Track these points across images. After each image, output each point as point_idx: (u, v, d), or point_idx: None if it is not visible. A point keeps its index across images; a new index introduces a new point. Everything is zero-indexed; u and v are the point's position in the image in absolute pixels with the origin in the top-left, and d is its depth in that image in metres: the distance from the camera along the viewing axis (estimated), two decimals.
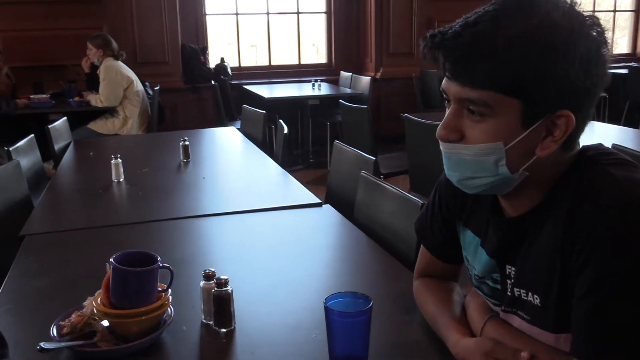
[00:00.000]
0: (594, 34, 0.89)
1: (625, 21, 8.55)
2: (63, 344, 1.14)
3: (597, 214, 0.86)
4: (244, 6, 7.12)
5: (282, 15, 7.37)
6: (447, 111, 0.97)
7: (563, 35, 0.87)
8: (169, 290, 1.26)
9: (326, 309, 1.06)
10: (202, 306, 1.29)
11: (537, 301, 0.99)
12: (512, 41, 0.87)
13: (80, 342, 1.15)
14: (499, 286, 1.09)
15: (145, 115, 5.22)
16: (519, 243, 1.02)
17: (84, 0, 5.96)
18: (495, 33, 0.87)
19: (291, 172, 2.65)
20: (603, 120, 6.15)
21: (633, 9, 8.37)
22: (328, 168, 5.01)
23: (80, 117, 4.98)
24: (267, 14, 7.20)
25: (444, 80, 0.96)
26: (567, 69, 0.87)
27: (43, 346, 1.10)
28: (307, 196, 2.24)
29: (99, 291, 1.24)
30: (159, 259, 1.22)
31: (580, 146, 0.99)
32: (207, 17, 6.90)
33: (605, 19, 8.37)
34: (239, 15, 7.13)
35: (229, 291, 1.26)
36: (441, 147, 0.99)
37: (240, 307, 1.30)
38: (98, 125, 4.97)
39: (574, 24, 0.89)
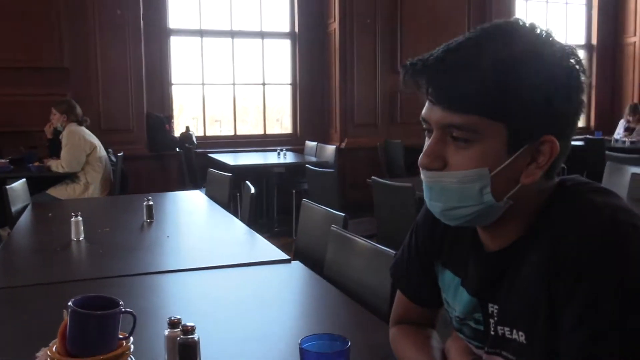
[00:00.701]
0: (572, 62, 0.91)
1: None
2: None
3: (581, 242, 0.85)
4: (209, 77, 7.20)
5: (248, 87, 7.47)
6: (428, 141, 0.95)
7: (546, 62, 0.88)
8: (131, 338, 1.18)
9: (301, 351, 1.00)
10: (166, 357, 1.21)
11: (522, 338, 0.95)
12: (497, 64, 0.87)
13: None
14: (481, 327, 1.05)
15: (108, 181, 5.12)
16: (501, 278, 0.99)
17: (49, 67, 5.94)
18: (480, 56, 0.87)
19: None
20: None
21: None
22: (293, 237, 4.95)
23: (40, 183, 4.86)
24: (233, 84, 7.29)
25: (424, 109, 0.95)
26: (550, 95, 0.87)
27: None
28: (275, 253, 2.18)
29: (54, 340, 1.15)
30: (121, 303, 1.14)
31: (558, 178, 0.98)
32: (173, 86, 6.95)
33: None
34: (205, 86, 7.20)
35: (195, 339, 1.18)
36: (423, 177, 0.96)
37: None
38: (58, 191, 4.85)
39: (555, 51, 0.90)
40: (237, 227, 2.69)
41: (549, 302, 0.89)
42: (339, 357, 1.00)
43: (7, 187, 3.24)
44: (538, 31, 0.91)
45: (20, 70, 5.82)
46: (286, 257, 2.12)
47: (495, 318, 1.00)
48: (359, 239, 1.86)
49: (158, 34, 6.70)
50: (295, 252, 2.48)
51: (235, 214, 3.43)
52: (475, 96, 0.87)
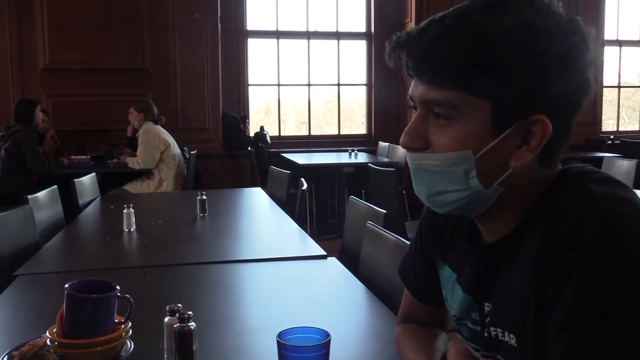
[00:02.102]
0: (575, 37, 0.82)
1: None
2: None
3: (573, 233, 0.76)
4: (285, 77, 7.29)
5: (323, 87, 7.50)
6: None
7: (537, 34, 0.80)
8: (129, 322, 1.19)
9: (279, 344, 0.97)
10: (165, 344, 1.21)
11: (513, 341, 0.87)
12: (481, 35, 0.80)
13: None
14: (478, 327, 0.97)
15: (181, 178, 5.29)
16: (496, 274, 0.91)
17: (131, 69, 6.21)
18: (463, 27, 0.81)
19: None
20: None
21: None
22: None
23: (118, 179, 5.08)
24: (309, 85, 7.34)
25: (411, 86, 0.89)
26: (541, 70, 0.79)
27: None
28: (313, 249, 2.16)
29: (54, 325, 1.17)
30: (117, 287, 1.15)
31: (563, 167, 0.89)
32: (250, 87, 7.08)
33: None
34: (280, 87, 7.29)
35: (192, 328, 1.17)
36: (407, 159, 0.90)
37: (210, 347, 1.21)
38: (133, 187, 5.05)
39: (549, 23, 0.81)
40: (284, 224, 2.69)
41: (538, 301, 0.81)
42: (317, 351, 0.95)
43: (76, 180, 3.40)
44: (541, 1, 0.83)
45: (104, 71, 6.13)
46: (322, 252, 2.09)
47: (489, 318, 0.93)
48: (391, 236, 1.81)
49: (235, 36, 6.85)
50: (341, 249, 2.45)
51: (293, 211, 3.44)
52: (456, 69, 0.80)
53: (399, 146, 6.28)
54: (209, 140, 6.49)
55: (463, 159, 0.83)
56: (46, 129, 5.68)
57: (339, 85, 7.45)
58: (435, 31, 0.82)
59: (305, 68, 7.28)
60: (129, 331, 1.18)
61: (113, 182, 5.13)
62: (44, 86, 6.13)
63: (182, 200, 3.55)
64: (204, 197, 2.90)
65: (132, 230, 2.52)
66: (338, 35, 7.34)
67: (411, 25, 6.90)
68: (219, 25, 6.58)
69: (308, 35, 7.26)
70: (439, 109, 0.83)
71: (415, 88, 0.87)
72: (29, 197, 2.67)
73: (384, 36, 7.15)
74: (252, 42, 7.08)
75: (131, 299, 1.18)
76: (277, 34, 7.18)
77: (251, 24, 7.05)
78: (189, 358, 1.16)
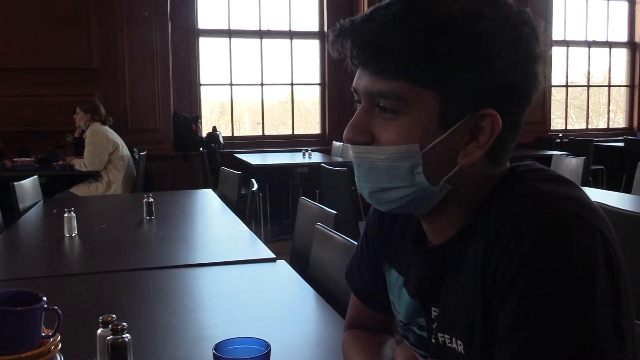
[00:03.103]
0: (525, 28, 0.80)
1: (620, 96, 8.61)
2: None
3: (518, 237, 0.73)
4: (237, 77, 7.19)
5: (279, 86, 7.45)
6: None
7: (487, 25, 0.77)
8: (58, 336, 1.11)
9: (215, 356, 0.91)
10: (98, 357, 1.14)
11: (460, 348, 0.83)
12: (428, 25, 0.76)
13: None
14: (425, 333, 0.94)
15: (130, 180, 5.15)
16: (443, 278, 0.87)
17: (79, 68, 6.02)
18: (410, 15, 0.77)
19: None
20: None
21: (627, 84, 8.42)
22: None
23: (64, 182, 4.92)
24: (262, 84, 7.26)
25: (355, 77, 0.84)
26: (490, 62, 0.76)
27: None
28: (262, 252, 2.11)
29: None
30: (44, 298, 1.08)
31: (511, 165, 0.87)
32: (202, 87, 6.97)
33: (599, 93, 8.50)
34: (233, 86, 7.20)
35: (126, 340, 1.11)
36: (351, 153, 0.86)
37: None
38: (80, 189, 4.89)
39: (499, 15, 0.78)
40: (234, 226, 2.62)
41: (485, 306, 0.78)
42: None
43: (15, 183, 3.26)
44: None
45: (50, 71, 5.92)
46: (271, 256, 2.04)
47: (436, 324, 0.90)
48: (340, 237, 1.77)
49: (186, 35, 6.73)
50: (292, 251, 2.40)
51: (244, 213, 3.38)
52: (403, 58, 0.76)
53: None
54: (159, 141, 6.35)
55: (409, 153, 0.79)
56: None
57: (292, 84, 7.40)
58: (381, 18, 0.78)
59: (258, 67, 7.20)
60: (58, 345, 1.10)
61: (59, 185, 4.97)
62: None
63: (129, 203, 3.45)
64: (151, 199, 2.81)
65: (73, 235, 2.41)
66: (291, 35, 7.29)
67: None
68: (169, 23, 6.44)
69: (261, 34, 7.18)
70: (384, 101, 0.80)
71: (359, 79, 0.83)
72: None
73: None
74: (204, 41, 6.97)
75: (59, 311, 1.10)
76: (229, 33, 7.09)
77: (202, 23, 6.93)
78: None
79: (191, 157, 6.53)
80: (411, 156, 0.79)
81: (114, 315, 1.15)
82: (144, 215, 2.78)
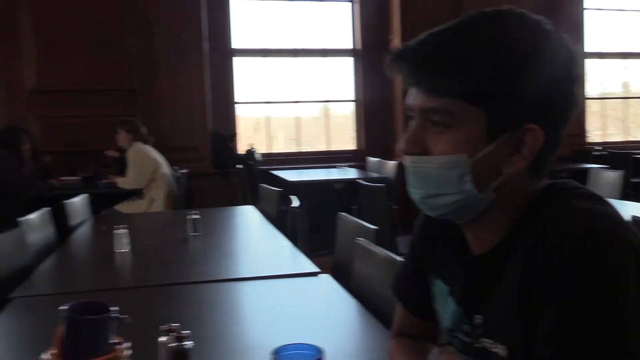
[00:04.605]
0: (564, 51, 0.89)
1: None
2: None
3: (556, 247, 0.80)
4: (273, 95, 7.34)
5: (311, 103, 7.57)
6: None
7: (529, 49, 0.86)
8: (127, 343, 1.20)
9: None
10: None
11: (503, 352, 0.90)
12: (475, 48, 0.86)
13: None
14: (469, 339, 1.00)
15: (172, 197, 5.29)
16: (486, 286, 0.94)
17: (119, 89, 6.24)
18: (459, 39, 0.87)
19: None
20: None
21: None
22: None
23: (109, 200, 5.08)
24: (297, 102, 7.39)
25: (408, 95, 0.94)
26: (535, 83, 0.85)
27: None
28: (305, 266, 2.18)
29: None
30: (112, 309, 1.17)
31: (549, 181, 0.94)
32: (237, 105, 7.12)
33: (638, 105, 8.35)
34: (268, 104, 7.34)
35: (188, 347, 1.19)
36: (405, 162, 0.95)
37: None
38: (124, 207, 5.05)
39: (541, 39, 0.88)
40: (276, 241, 2.71)
41: (526, 312, 0.85)
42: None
43: (65, 202, 3.40)
44: (531, 19, 0.90)
45: (92, 92, 6.15)
46: (314, 270, 2.11)
47: (480, 330, 0.96)
48: (380, 251, 1.83)
49: (221, 55, 6.90)
50: (333, 265, 2.46)
51: (284, 229, 3.46)
52: (453, 79, 0.86)
53: (389, 161, 6.34)
54: (198, 159, 6.51)
55: (458, 162, 0.87)
56: (35, 152, 5.67)
57: (326, 101, 7.51)
58: (434, 42, 0.88)
59: (292, 85, 7.34)
60: (127, 351, 1.20)
61: (104, 202, 5.13)
62: (32, 108, 6.13)
63: (173, 220, 3.56)
64: (195, 216, 2.91)
65: (124, 250, 2.52)
66: (325, 52, 7.41)
67: (395, 41, 6.99)
68: (207, 44, 6.63)
69: (294, 52, 7.32)
70: (436, 116, 0.88)
71: (413, 97, 0.92)
72: (20, 219, 2.67)
73: (371, 53, 7.24)
74: (239, 61, 7.13)
75: (128, 320, 1.20)
76: (264, 52, 7.24)
77: (237, 43, 7.10)
78: None
79: (228, 175, 6.67)
80: (460, 165, 0.88)
81: (175, 324, 1.24)
82: (190, 231, 2.88)
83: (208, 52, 6.67)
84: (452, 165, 0.88)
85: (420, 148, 0.91)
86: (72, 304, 1.16)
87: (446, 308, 1.05)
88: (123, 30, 6.22)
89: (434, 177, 0.90)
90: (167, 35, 6.39)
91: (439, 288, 1.08)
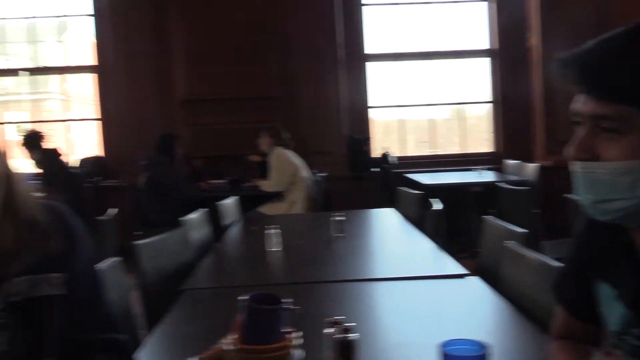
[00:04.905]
0: None
1: None
2: None
3: None
4: (407, 98, 7.37)
5: (446, 106, 7.51)
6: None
7: None
8: (298, 332, 1.31)
9: (445, 355, 1.04)
10: (327, 354, 1.32)
11: None
12: None
13: None
14: None
15: (311, 200, 5.49)
16: None
17: (261, 97, 6.57)
18: (631, 47, 0.88)
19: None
20: None
21: None
22: None
23: (252, 201, 5.37)
24: (431, 104, 7.36)
25: (575, 102, 0.95)
26: None
27: None
28: (452, 267, 2.20)
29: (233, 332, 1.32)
30: (285, 300, 1.28)
31: None
32: (371, 109, 7.22)
33: None
34: (402, 107, 7.38)
35: (353, 339, 1.27)
36: (574, 168, 0.96)
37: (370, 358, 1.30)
38: (266, 209, 5.31)
39: None
40: (420, 243, 2.75)
41: None
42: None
43: (217, 203, 3.67)
44: None
45: (237, 101, 6.54)
46: (462, 272, 2.13)
47: None
48: (532, 255, 1.82)
49: (356, 60, 7.04)
50: (477, 268, 2.46)
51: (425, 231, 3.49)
52: (628, 86, 0.87)
53: (529, 164, 6.13)
54: (334, 162, 6.69)
55: (631, 168, 0.88)
56: (187, 157, 6.12)
57: (461, 103, 7.41)
58: (606, 48, 0.89)
59: (425, 87, 7.32)
60: (298, 340, 1.30)
61: (248, 204, 5.43)
62: (184, 116, 6.63)
63: (317, 222, 3.72)
64: (340, 218, 3.02)
65: (275, 249, 2.68)
66: (459, 54, 7.32)
67: (533, 40, 6.75)
68: (342, 51, 6.80)
69: (427, 55, 7.30)
70: (607, 123, 0.89)
71: (582, 104, 0.93)
72: (182, 219, 2.93)
73: (508, 53, 7.04)
74: (372, 65, 7.23)
75: (299, 311, 1.30)
76: (396, 56, 7.29)
77: (370, 48, 7.20)
78: None
79: (363, 178, 6.78)
80: (633, 171, 0.88)
81: (341, 317, 1.33)
82: (335, 232, 3.00)
83: (343, 59, 6.84)
84: (625, 171, 0.88)
85: (589, 154, 0.92)
86: (251, 294, 1.28)
87: (613, 311, 1.05)
88: (265, 42, 6.57)
89: (605, 182, 0.91)
90: (305, 45, 6.64)
91: (605, 292, 1.08)
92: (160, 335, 1.60)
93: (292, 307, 1.29)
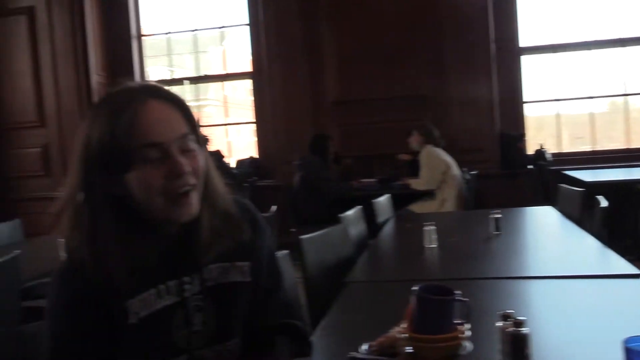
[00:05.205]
0: None
1: None
2: (369, 356, 1.29)
3: None
4: (565, 92, 7.01)
5: (603, 98, 7.06)
6: None
7: None
8: (468, 324, 1.33)
9: (629, 350, 1.01)
10: (500, 347, 1.33)
11: None
12: None
13: (383, 358, 1.29)
14: None
15: (462, 198, 5.42)
16: None
17: (409, 96, 6.59)
18: None
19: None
20: None
21: None
22: None
23: (403, 200, 5.41)
24: (591, 97, 6.94)
25: None
26: None
27: (353, 355, 1.27)
28: (623, 267, 2.09)
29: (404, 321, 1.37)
30: (456, 292, 1.30)
31: None
32: (525, 104, 6.96)
33: None
34: (560, 102, 7.03)
35: (525, 333, 1.27)
36: None
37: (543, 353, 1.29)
38: (417, 207, 5.33)
39: None
40: (584, 241, 2.63)
41: None
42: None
43: (373, 201, 3.75)
44: None
45: (386, 100, 6.62)
46: (635, 272, 2.01)
47: None
48: None
49: (509, 54, 6.82)
50: None
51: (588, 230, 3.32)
52: None
53: None
54: (485, 160, 6.53)
55: None
56: (338, 157, 6.30)
57: (624, 95, 6.91)
58: None
59: (584, 79, 6.91)
60: (467, 333, 1.32)
61: (399, 202, 5.48)
62: (335, 117, 6.82)
63: (470, 219, 3.68)
64: (498, 215, 2.97)
65: (432, 246, 2.70)
66: (623, 42, 6.83)
67: None
68: (494, 45, 6.62)
69: (587, 45, 6.89)
70: None
71: None
72: (340, 216, 3.04)
73: None
74: (526, 59, 6.97)
75: (469, 303, 1.32)
76: (553, 48, 6.96)
77: (525, 41, 6.94)
78: None
79: (517, 175, 6.56)
80: None
81: (512, 310, 1.32)
82: (492, 230, 2.95)
83: (495, 53, 6.66)
84: None
85: None
86: (422, 285, 1.32)
87: None
88: (414, 40, 6.58)
89: None
90: (456, 41, 6.56)
91: None
92: (329, 323, 1.69)
93: (463, 299, 1.32)
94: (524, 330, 1.27)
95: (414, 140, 5.55)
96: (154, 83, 1.21)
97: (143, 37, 7.78)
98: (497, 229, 2.95)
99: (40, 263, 3.31)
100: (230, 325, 1.26)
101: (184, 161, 1.13)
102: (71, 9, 7.10)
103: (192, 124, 1.19)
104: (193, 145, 1.17)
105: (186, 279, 1.20)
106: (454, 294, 1.30)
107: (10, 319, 2.64)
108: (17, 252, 2.72)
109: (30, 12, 7.25)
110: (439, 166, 5.32)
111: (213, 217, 1.22)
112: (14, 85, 7.41)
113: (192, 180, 1.15)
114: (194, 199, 1.16)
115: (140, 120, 1.10)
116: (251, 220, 1.32)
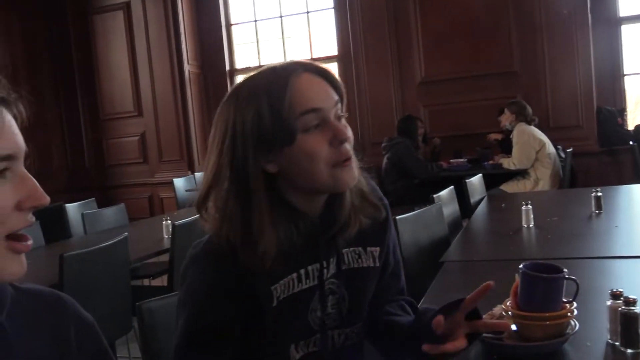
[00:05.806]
0: None
1: None
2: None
3: None
4: None
5: None
6: None
7: None
8: (574, 303, 1.31)
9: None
10: (608, 326, 1.30)
11: None
12: None
13: (490, 335, 1.29)
14: None
15: (557, 177, 5.24)
16: None
17: (499, 72, 6.40)
18: None
19: None
20: None
21: None
22: None
23: (494, 180, 5.30)
24: None
25: None
26: None
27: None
28: None
29: (508, 298, 1.36)
30: (565, 270, 1.29)
31: None
32: (626, 77, 6.60)
33: None
34: None
35: (637, 311, 1.24)
36: None
37: None
38: (509, 186, 5.20)
39: None
40: None
41: None
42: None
43: (466, 181, 3.71)
44: None
45: (474, 78, 6.46)
46: None
47: None
48: None
49: (607, 25, 6.47)
50: None
51: None
52: None
53: None
54: (582, 137, 6.26)
55: None
56: (426, 137, 6.23)
57: None
58: None
59: None
60: (574, 311, 1.30)
61: (489, 182, 5.37)
62: (421, 97, 6.74)
63: (567, 198, 3.56)
64: (599, 194, 2.86)
65: (530, 225, 2.65)
66: None
67: None
68: (589, 16, 6.30)
69: None
70: None
71: None
72: (434, 196, 3.03)
73: None
74: (627, 29, 6.59)
75: (578, 282, 1.30)
76: None
77: (625, 10, 6.55)
78: (635, 340, 1.23)
79: (617, 152, 6.25)
80: None
81: (622, 289, 1.29)
82: (593, 208, 2.85)
83: (590, 24, 6.34)
84: None
85: None
86: (529, 263, 1.31)
87: None
88: (503, 15, 6.37)
89: None
90: (548, 13, 6.28)
91: None
92: (430, 300, 1.71)
93: (572, 277, 1.30)
94: (636, 308, 1.24)
95: (506, 119, 5.40)
96: (298, 60, 1.19)
97: (232, 26, 7.97)
98: (599, 207, 2.85)
99: (143, 245, 3.52)
100: (359, 309, 1.28)
101: (343, 127, 1.13)
102: (164, 2, 7.39)
103: (341, 95, 1.19)
104: (344, 114, 1.17)
105: (325, 263, 1.20)
106: (563, 271, 1.28)
107: (123, 296, 2.83)
108: (126, 234, 2.90)
109: (126, 7, 7.62)
110: (533, 144, 5.15)
111: (352, 194, 1.21)
112: (113, 78, 7.83)
113: (350, 147, 1.14)
114: (355, 166, 1.16)
115: (299, 89, 1.10)
116: (381, 201, 1.31)
